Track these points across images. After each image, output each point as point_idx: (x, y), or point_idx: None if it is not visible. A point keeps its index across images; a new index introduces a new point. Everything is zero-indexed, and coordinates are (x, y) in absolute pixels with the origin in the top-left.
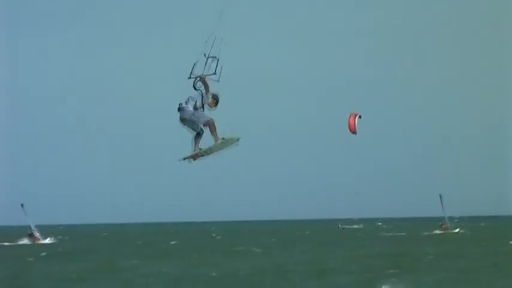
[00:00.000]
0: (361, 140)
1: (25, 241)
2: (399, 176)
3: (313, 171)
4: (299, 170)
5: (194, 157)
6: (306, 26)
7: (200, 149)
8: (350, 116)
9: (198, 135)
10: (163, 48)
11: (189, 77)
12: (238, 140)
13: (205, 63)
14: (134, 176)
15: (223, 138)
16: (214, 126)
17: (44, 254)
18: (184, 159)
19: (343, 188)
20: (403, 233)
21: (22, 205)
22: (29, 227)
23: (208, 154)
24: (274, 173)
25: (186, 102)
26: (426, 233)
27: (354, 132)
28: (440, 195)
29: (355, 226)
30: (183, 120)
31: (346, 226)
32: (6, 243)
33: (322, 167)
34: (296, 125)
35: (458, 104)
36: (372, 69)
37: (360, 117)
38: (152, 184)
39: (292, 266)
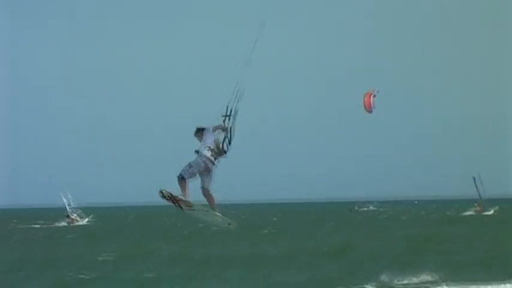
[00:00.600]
0: (394, 125)
1: (62, 223)
2: (428, 158)
3: (347, 154)
4: (334, 154)
5: (176, 202)
6: (305, 24)
7: (190, 202)
8: (365, 96)
9: (184, 179)
10: (165, 44)
11: (224, 116)
12: (230, 224)
13: (230, 116)
14: (157, 159)
15: (229, 222)
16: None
17: (72, 236)
18: (163, 194)
19: (374, 170)
20: (433, 215)
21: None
22: (65, 209)
23: (196, 210)
24: (305, 157)
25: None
26: (459, 214)
27: (369, 111)
28: (474, 178)
29: (371, 208)
30: (198, 166)
31: (357, 208)
32: (41, 225)
33: (355, 151)
34: (313, 114)
35: (459, 96)
36: (373, 61)
37: (374, 96)
38: (175, 166)
39: (320, 248)
